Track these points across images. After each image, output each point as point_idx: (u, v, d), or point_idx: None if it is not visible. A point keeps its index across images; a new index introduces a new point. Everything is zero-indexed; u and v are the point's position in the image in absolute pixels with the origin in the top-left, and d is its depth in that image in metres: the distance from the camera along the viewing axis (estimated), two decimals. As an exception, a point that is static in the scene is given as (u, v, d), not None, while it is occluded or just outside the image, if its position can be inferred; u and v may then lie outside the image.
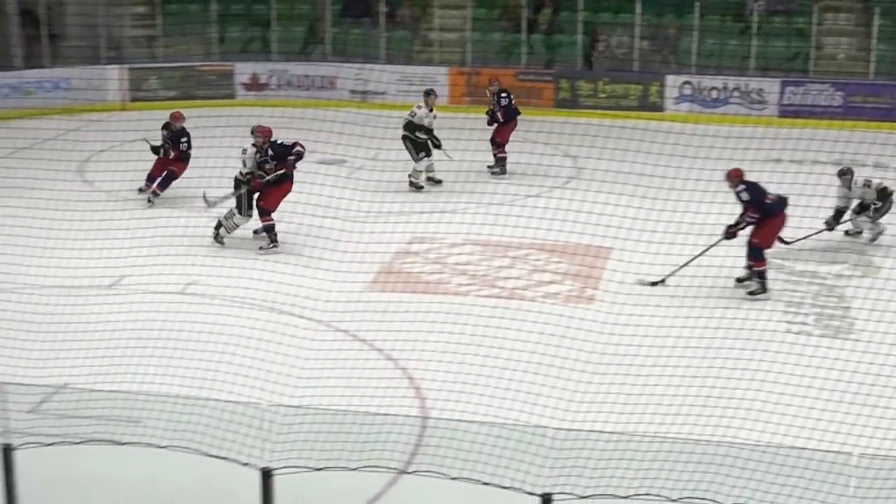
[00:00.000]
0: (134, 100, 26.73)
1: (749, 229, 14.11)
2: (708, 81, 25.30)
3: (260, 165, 16.03)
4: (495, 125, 20.22)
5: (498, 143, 20.37)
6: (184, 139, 18.44)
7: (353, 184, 17.09)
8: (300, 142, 15.93)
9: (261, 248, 15.99)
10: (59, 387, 10.34)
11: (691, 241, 13.84)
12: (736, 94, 25.12)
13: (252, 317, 13.11)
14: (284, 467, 6.73)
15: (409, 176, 19.09)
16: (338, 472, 7.16)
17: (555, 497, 6.48)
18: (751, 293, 14.04)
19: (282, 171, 15.95)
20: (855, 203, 15.71)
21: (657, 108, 25.18)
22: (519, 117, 20.22)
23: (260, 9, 28.37)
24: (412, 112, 19.45)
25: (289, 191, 16.11)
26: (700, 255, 13.99)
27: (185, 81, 26.98)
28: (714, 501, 6.71)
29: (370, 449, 7.43)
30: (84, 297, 13.59)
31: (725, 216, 13.82)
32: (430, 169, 19.30)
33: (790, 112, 24.54)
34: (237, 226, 16.16)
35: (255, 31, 28.22)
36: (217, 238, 16.13)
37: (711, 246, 13.96)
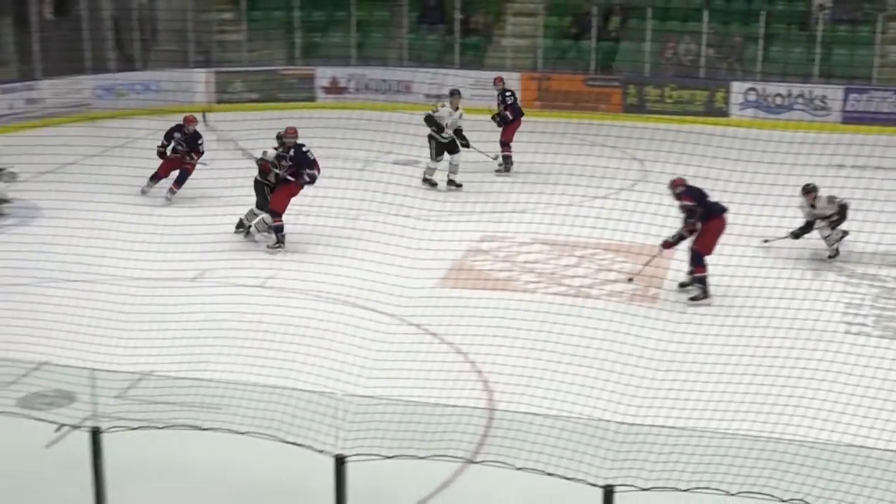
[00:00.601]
0: (219, 102, 26.98)
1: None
2: (772, 88, 25.06)
3: (277, 160, 16.21)
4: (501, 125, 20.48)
5: (503, 142, 20.47)
6: (200, 141, 18.71)
7: (427, 184, 17.14)
8: (319, 165, 15.96)
9: (268, 247, 16.15)
10: (145, 374, 10.47)
11: (754, 244, 13.72)
12: (800, 100, 24.83)
13: (328, 310, 13.15)
14: (357, 455, 6.75)
15: (424, 173, 19.10)
16: (408, 461, 7.18)
17: (617, 488, 6.44)
18: (692, 299, 13.78)
19: (291, 177, 16.09)
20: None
21: (722, 113, 24.97)
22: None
23: (340, 15, 28.51)
24: (435, 108, 19.48)
25: (295, 193, 16.25)
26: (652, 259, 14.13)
27: (268, 84, 27.19)
28: (771, 496, 6.63)
29: (439, 439, 7.43)
30: (169, 289, 13.74)
31: (788, 219, 13.69)
32: (453, 171, 19.28)
33: (853, 118, 24.22)
34: (268, 223, 16.36)
35: (336, 37, 28.36)
36: (247, 235, 16.39)
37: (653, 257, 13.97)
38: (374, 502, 8.84)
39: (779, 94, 25.02)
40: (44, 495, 9.55)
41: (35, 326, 11.63)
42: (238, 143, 17.61)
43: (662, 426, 7.48)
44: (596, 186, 15.16)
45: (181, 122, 18.97)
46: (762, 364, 10.60)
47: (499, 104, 21.07)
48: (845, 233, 15.07)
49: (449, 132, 19.24)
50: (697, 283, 13.83)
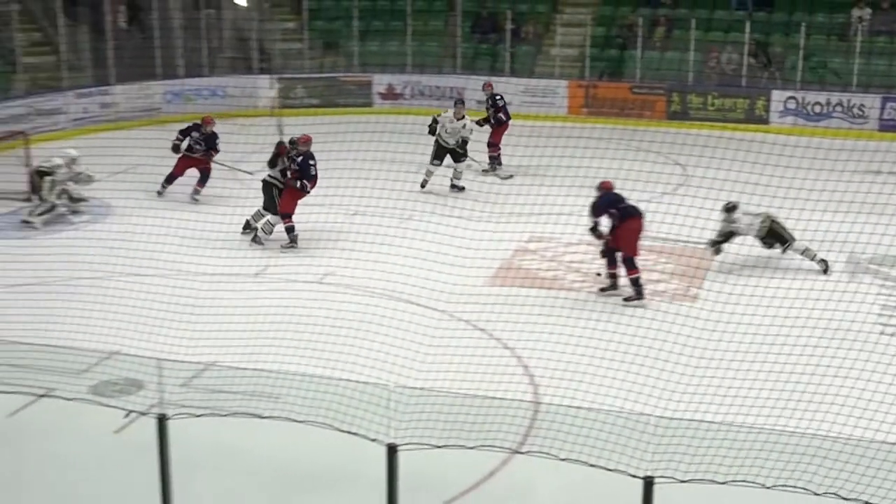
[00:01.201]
0: (282, 107, 27.07)
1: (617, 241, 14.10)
2: (812, 96, 24.81)
3: (289, 162, 16.39)
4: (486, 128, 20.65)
5: (492, 143, 20.59)
6: (217, 140, 18.90)
7: (478, 186, 17.15)
8: (317, 181, 16.23)
9: (282, 247, 16.19)
10: (209, 364, 10.55)
11: (792, 245, 13.61)
12: (838, 108, 24.57)
13: (382, 305, 13.21)
14: (408, 444, 6.77)
15: (424, 174, 19.18)
16: (456, 450, 7.19)
17: (656, 480, 6.42)
18: (626, 299, 13.77)
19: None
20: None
21: (762, 120, 24.77)
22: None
23: (397, 25, 28.59)
24: (438, 114, 19.52)
25: (300, 196, 16.36)
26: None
27: (328, 90, 27.34)
28: (806, 490, 6.58)
29: (486, 430, 7.44)
30: (232, 284, 13.86)
31: (826, 222, 13.52)
32: (456, 176, 19.28)
33: (890, 126, 23.95)
34: (273, 225, 16.39)
35: (393, 46, 28.44)
36: (255, 239, 16.39)
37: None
38: (424, 490, 8.87)
39: (818, 103, 24.77)
40: (113, 477, 9.66)
41: (106, 318, 11.77)
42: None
43: (701, 421, 7.44)
44: (640, 190, 15.10)
45: (199, 122, 19.15)
46: (798, 363, 10.50)
47: (488, 108, 21.21)
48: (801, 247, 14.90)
49: (449, 139, 19.23)
50: (633, 286, 13.87)
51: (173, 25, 27.66)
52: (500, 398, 7.97)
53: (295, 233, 16.23)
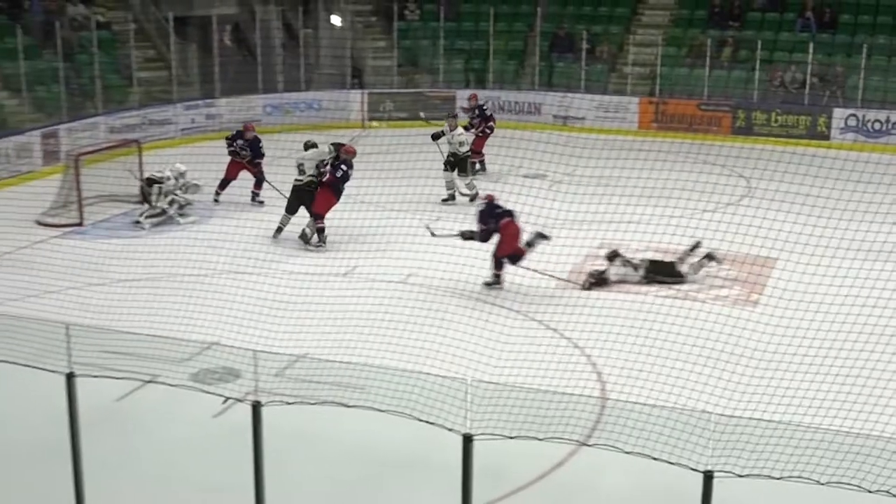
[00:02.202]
0: (371, 119, 27.29)
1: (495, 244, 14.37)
2: (872, 114, 24.31)
3: (327, 163, 16.71)
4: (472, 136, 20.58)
5: (476, 151, 20.58)
6: (261, 144, 19.19)
7: (553, 195, 17.04)
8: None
9: (314, 245, 16.41)
10: (301, 356, 10.62)
11: (850, 256, 13.31)
12: (898, 126, 24.12)
13: (461, 304, 13.22)
14: (482, 434, 6.75)
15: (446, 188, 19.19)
16: (527, 441, 7.15)
17: (716, 474, 6.33)
18: (486, 284, 14.18)
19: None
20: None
21: (824, 136, 24.32)
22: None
23: (479, 44, 28.61)
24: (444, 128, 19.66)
25: (334, 203, 16.58)
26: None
27: (414, 105, 27.38)
28: (860, 487, 6.44)
29: (556, 423, 7.38)
30: (323, 282, 13.95)
31: (884, 234, 13.26)
32: (468, 186, 19.26)
33: (948, 143, 23.45)
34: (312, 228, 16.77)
35: (475, 63, 28.47)
36: (310, 243, 16.55)
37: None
38: (496, 477, 8.86)
39: (878, 121, 24.27)
40: (210, 459, 9.79)
41: (207, 311, 11.92)
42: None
43: (760, 419, 7.32)
44: (706, 201, 14.93)
45: (241, 129, 19.45)
46: (854, 366, 10.31)
47: (474, 117, 21.28)
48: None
49: (446, 149, 19.29)
50: (494, 276, 14.25)
51: (274, 44, 27.98)
52: (570, 394, 7.89)
53: (325, 235, 16.49)
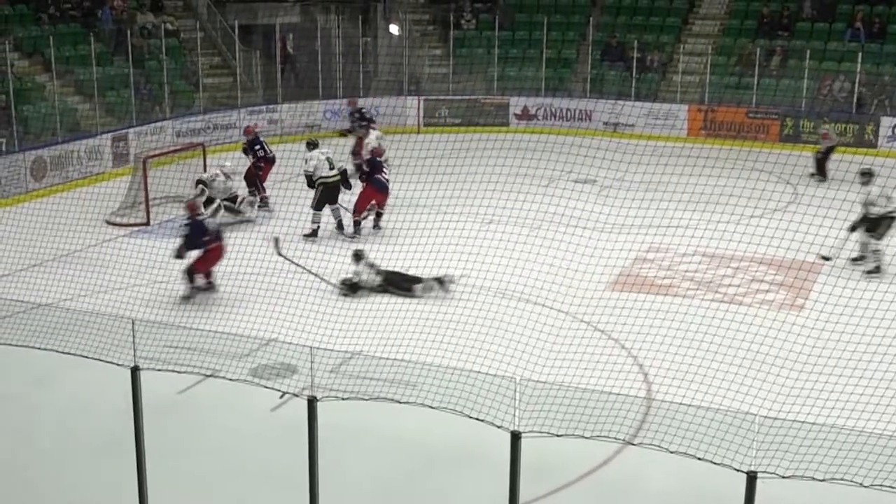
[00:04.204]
0: (427, 125, 27.34)
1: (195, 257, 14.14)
2: (919, 123, 23.98)
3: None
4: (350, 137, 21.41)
5: (356, 152, 21.03)
6: (256, 147, 19.56)
7: (602, 200, 16.96)
8: None
9: (348, 236, 17.18)
10: (355, 353, 10.66)
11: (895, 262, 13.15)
12: (945, 135, 23.71)
13: (511, 306, 13.18)
14: (531, 431, 6.71)
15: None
16: (574, 439, 7.11)
17: (759, 475, 6.24)
18: (183, 299, 13.94)
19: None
20: None
21: (871, 144, 23.96)
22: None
23: (533, 53, 28.57)
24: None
25: (372, 198, 17.44)
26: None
27: (468, 111, 27.44)
28: (902, 490, 6.33)
29: (602, 422, 7.33)
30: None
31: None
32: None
33: None
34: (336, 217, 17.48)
35: (529, 71, 28.42)
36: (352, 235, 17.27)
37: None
38: (544, 473, 8.82)
39: (925, 129, 23.94)
40: (267, 450, 9.84)
41: (266, 309, 12.00)
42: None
43: (804, 422, 7.20)
44: (753, 207, 14.78)
45: (252, 138, 19.73)
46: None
47: (354, 121, 21.60)
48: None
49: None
50: (192, 292, 14.05)
51: (334, 52, 28.14)
52: (616, 394, 7.83)
53: (360, 227, 17.37)
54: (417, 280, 14.28)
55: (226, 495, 9.24)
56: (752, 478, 6.27)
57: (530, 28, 29.13)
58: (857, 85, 25.11)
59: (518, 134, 24.48)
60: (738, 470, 6.32)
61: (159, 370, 7.94)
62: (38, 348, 8.61)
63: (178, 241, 14.11)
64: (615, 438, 7.38)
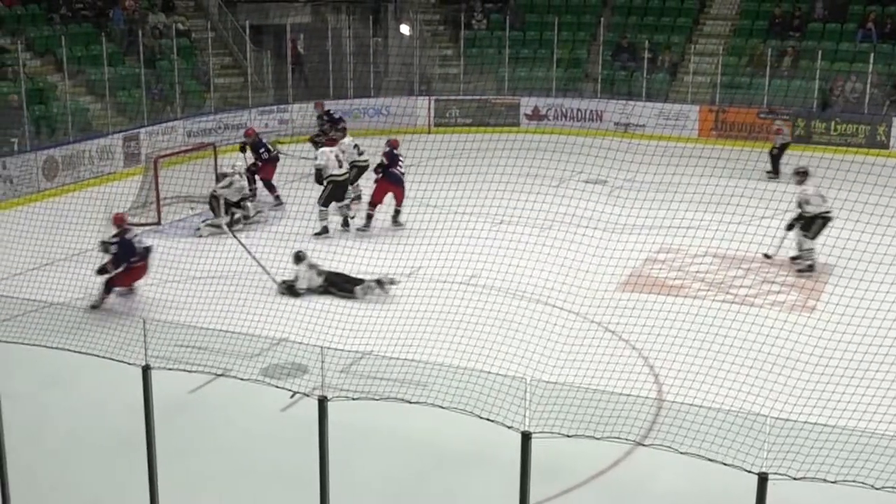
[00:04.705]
0: (437, 125, 27.35)
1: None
2: (932, 124, 23.90)
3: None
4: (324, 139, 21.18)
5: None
6: (261, 149, 19.70)
7: (613, 200, 16.94)
8: None
9: (358, 230, 17.53)
10: (365, 353, 10.67)
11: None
12: (958, 135, 23.63)
13: (522, 306, 13.18)
14: (541, 432, 6.71)
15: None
16: (585, 440, 7.10)
17: (770, 476, 6.23)
18: (92, 306, 13.56)
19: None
20: None
21: (883, 145, 23.91)
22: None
23: (544, 53, 28.55)
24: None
25: (388, 191, 17.65)
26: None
27: (479, 111, 27.45)
28: (914, 492, 6.31)
29: (613, 423, 7.32)
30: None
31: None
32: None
33: None
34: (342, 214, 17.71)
35: (539, 72, 28.40)
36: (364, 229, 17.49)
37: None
38: (554, 474, 8.81)
39: (936, 129, 23.87)
40: (278, 450, 9.86)
41: (277, 308, 12.01)
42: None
43: (815, 423, 7.18)
44: (763, 208, 14.72)
45: (255, 140, 19.85)
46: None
47: (323, 123, 21.64)
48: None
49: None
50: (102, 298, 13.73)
51: (345, 52, 28.17)
52: (627, 394, 7.82)
53: (373, 220, 17.63)
54: (359, 281, 14.26)
55: (236, 495, 9.25)
56: (762, 479, 6.26)
57: (541, 28, 29.12)
58: (868, 86, 25.04)
59: (529, 134, 24.45)
60: (748, 471, 6.30)
61: (170, 369, 7.96)
62: (50, 347, 8.64)
63: (105, 258, 13.89)
64: (626, 439, 7.37)
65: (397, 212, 17.89)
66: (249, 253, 14.77)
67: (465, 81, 28.76)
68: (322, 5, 29.45)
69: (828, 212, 15.21)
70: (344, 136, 20.72)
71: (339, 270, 14.33)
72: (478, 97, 27.93)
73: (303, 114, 26.05)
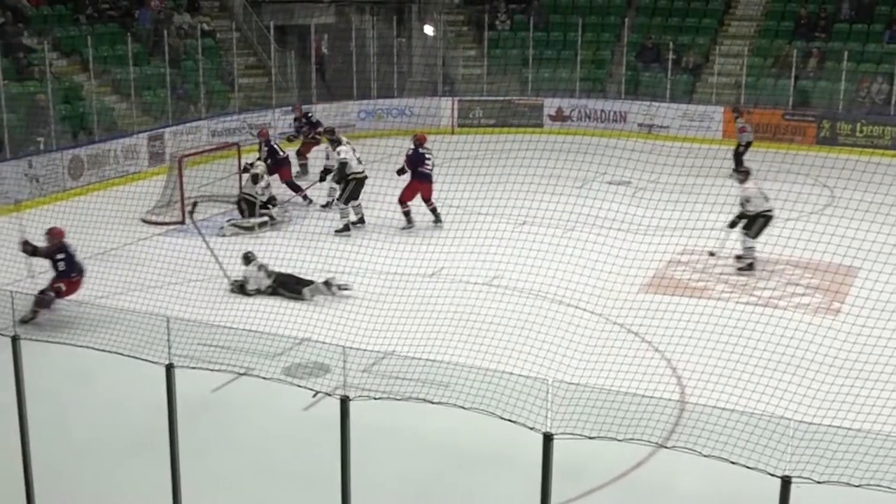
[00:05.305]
0: (461, 126, 27.34)
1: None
2: (959, 125, 23.70)
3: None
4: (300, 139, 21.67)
5: (302, 153, 21.73)
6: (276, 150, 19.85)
7: (637, 202, 16.89)
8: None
9: (402, 228, 17.62)
10: (388, 353, 10.67)
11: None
12: None
13: (544, 307, 13.14)
14: (563, 433, 6.69)
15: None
16: (607, 442, 7.07)
17: (794, 480, 6.19)
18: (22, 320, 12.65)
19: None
20: None
21: (910, 147, 23.76)
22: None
23: (567, 54, 28.49)
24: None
25: (418, 190, 17.77)
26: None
27: (503, 112, 27.42)
28: (940, 496, 6.25)
29: (635, 424, 7.29)
30: (411, 283, 13.98)
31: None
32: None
33: None
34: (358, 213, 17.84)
35: (563, 72, 28.34)
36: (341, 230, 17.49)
37: None
38: (576, 476, 8.79)
39: (964, 132, 23.67)
40: (300, 449, 9.88)
41: (299, 308, 12.04)
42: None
43: (839, 427, 7.13)
44: (789, 209, 14.65)
45: (267, 140, 19.97)
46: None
47: (301, 126, 21.58)
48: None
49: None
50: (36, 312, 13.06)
51: (369, 52, 28.20)
52: (650, 396, 7.79)
53: (411, 217, 17.83)
54: (308, 283, 14.23)
55: (257, 494, 9.27)
56: (786, 483, 6.21)
57: (565, 29, 29.06)
58: (895, 87, 24.86)
59: (552, 135, 24.39)
60: (771, 475, 6.26)
61: (193, 368, 7.98)
62: (75, 345, 8.68)
63: (53, 275, 13.50)
64: (648, 441, 7.33)
65: (433, 211, 17.93)
66: (210, 249, 14.82)
67: (488, 82, 28.74)
68: (346, 6, 29.50)
69: (769, 210, 15.47)
70: (318, 141, 20.89)
71: (290, 271, 14.35)
72: (501, 98, 27.90)
73: (326, 113, 26.10)
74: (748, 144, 22.08)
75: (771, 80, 26.57)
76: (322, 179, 19.74)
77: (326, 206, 19.54)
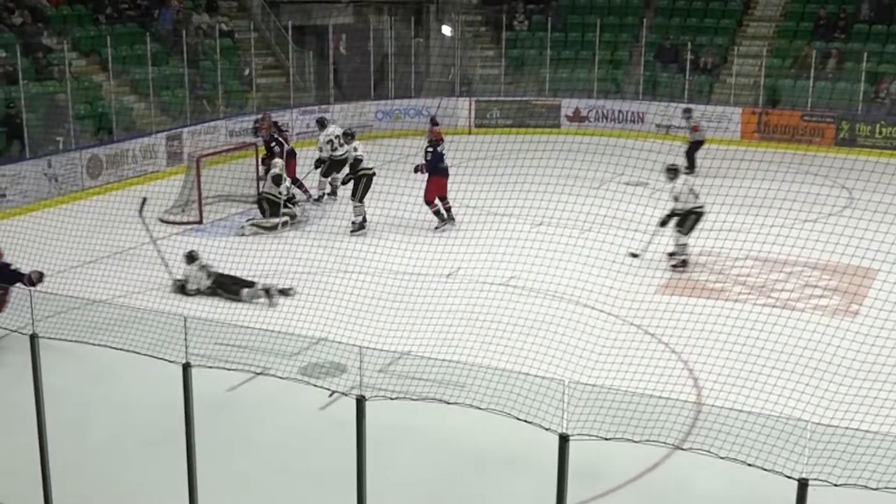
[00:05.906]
0: (478, 126, 27.33)
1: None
2: (979, 127, 23.53)
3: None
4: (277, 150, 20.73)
5: (264, 160, 20.52)
6: (272, 145, 19.77)
7: (654, 203, 16.84)
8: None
9: (436, 228, 17.54)
10: (404, 353, 10.67)
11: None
12: None
13: (560, 308, 13.12)
14: (579, 434, 6.67)
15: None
16: (623, 443, 7.06)
17: (811, 482, 6.15)
18: None
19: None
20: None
21: (927, 149, 23.61)
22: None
23: (585, 54, 28.45)
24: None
25: (439, 186, 17.72)
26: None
27: (520, 112, 27.39)
28: (958, 499, 6.21)
29: (651, 426, 7.26)
30: (427, 283, 13.98)
31: None
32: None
33: None
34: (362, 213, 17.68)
35: (581, 73, 28.30)
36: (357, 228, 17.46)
37: None
38: (591, 478, 8.78)
39: (984, 133, 23.51)
40: (316, 448, 9.89)
41: (316, 308, 12.04)
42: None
43: (857, 429, 7.08)
44: (807, 211, 14.57)
45: (271, 135, 19.96)
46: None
47: (271, 142, 20.18)
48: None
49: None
50: None
51: (386, 52, 28.22)
52: (666, 398, 7.76)
53: (442, 215, 17.74)
54: (248, 284, 14.20)
55: (273, 493, 9.29)
56: (803, 485, 6.18)
57: (583, 29, 29.03)
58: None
59: (569, 136, 24.34)
60: (788, 477, 6.23)
61: (210, 367, 8.00)
62: (93, 344, 8.71)
63: None
64: (664, 443, 7.31)
65: (448, 209, 17.95)
66: (156, 246, 14.88)
67: (505, 82, 28.73)
68: (364, 6, 29.53)
69: (700, 207, 15.63)
70: (294, 153, 20.59)
71: (230, 272, 14.35)
72: (518, 98, 27.88)
73: (344, 113, 26.14)
74: (699, 143, 22.22)
75: (790, 81, 26.48)
76: (317, 167, 19.79)
77: (318, 199, 19.60)
